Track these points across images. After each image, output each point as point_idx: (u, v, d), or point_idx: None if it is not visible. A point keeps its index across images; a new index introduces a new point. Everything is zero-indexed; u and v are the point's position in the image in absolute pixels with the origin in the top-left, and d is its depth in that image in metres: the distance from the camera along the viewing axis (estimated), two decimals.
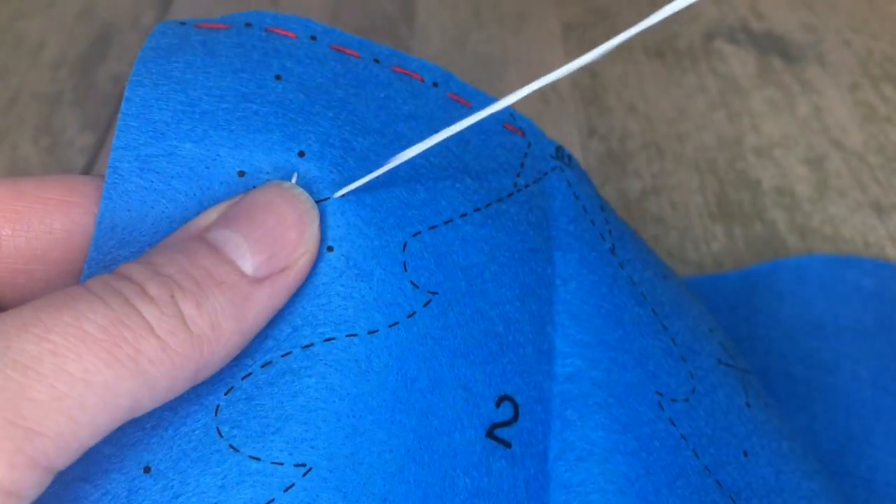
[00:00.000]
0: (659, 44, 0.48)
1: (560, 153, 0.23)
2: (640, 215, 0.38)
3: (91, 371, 0.14)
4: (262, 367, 0.17)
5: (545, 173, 0.22)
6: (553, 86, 0.45)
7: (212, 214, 0.17)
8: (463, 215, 0.20)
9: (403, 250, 0.18)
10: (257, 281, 0.16)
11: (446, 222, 0.19)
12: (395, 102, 0.20)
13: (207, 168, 0.18)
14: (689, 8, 0.51)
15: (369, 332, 0.17)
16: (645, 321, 0.21)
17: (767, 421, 0.23)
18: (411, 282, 0.18)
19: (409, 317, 0.18)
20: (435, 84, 0.21)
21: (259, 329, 0.17)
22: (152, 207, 0.18)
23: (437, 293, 0.18)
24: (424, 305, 0.18)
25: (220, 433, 0.17)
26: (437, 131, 0.20)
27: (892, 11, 0.49)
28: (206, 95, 0.18)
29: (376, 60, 0.21)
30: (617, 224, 0.23)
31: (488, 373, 0.18)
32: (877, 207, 0.39)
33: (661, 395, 0.20)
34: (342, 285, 0.18)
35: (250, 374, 0.17)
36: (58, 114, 0.43)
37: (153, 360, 0.15)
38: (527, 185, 0.21)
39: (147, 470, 0.16)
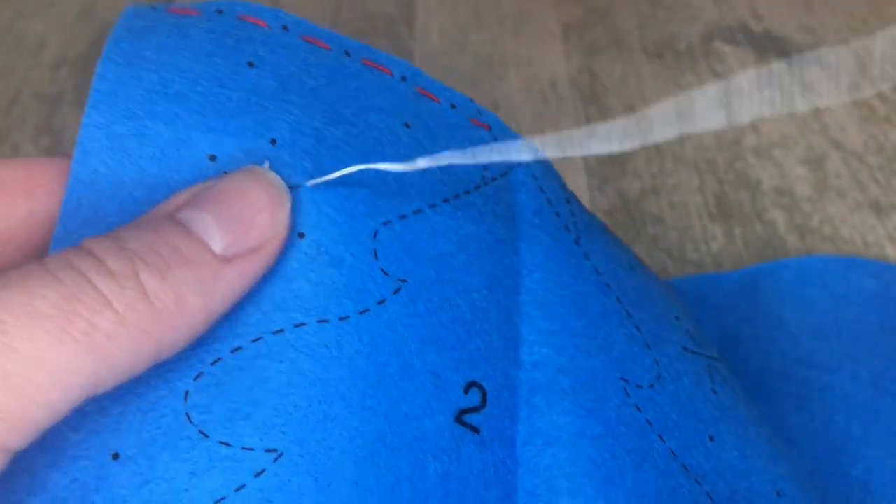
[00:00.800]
0: (658, 44, 0.48)
1: (526, 147, 0.24)
2: (640, 215, 0.38)
3: (42, 348, 0.14)
4: (232, 352, 0.17)
5: (511, 167, 0.22)
6: (553, 86, 0.45)
7: (183, 196, 0.17)
8: (432, 206, 0.20)
9: (374, 238, 0.19)
10: (226, 260, 0.16)
11: (416, 212, 0.20)
12: (365, 94, 0.20)
13: (178, 150, 0.18)
14: (688, 8, 0.51)
15: (340, 319, 0.18)
16: (609, 309, 0.22)
17: (733, 406, 0.23)
18: (381, 269, 0.18)
19: (379, 304, 0.18)
20: (403, 78, 0.22)
21: (226, 310, 0.17)
22: (120, 188, 0.18)
23: (406, 281, 0.19)
24: (394, 293, 0.18)
25: (189, 419, 0.17)
26: (407, 124, 0.21)
27: (892, 12, 0.49)
28: (180, 77, 0.18)
29: (346, 53, 0.21)
30: (583, 216, 0.23)
31: (456, 359, 0.19)
32: (876, 207, 0.39)
33: (626, 381, 0.21)
34: (313, 271, 0.18)
35: (220, 359, 0.17)
36: (58, 114, 0.43)
37: (110, 335, 0.14)
38: (493, 178, 0.22)
39: (115, 456, 0.16)
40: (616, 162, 0.41)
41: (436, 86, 0.22)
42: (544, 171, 0.23)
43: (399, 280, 0.19)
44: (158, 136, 0.18)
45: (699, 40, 0.48)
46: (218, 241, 0.16)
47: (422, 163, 0.18)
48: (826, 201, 0.39)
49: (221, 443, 0.16)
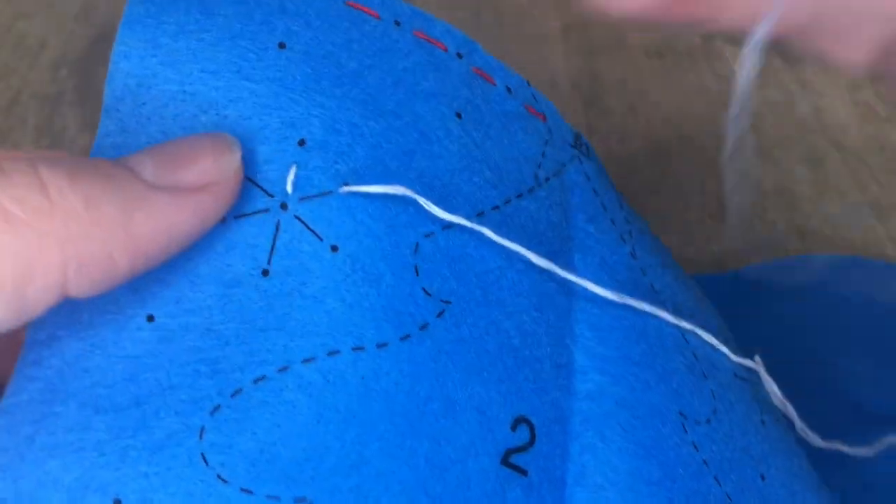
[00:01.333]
0: (659, 44, 0.48)
1: (578, 141, 0.21)
2: (641, 215, 0.38)
3: None
4: (255, 382, 0.15)
5: (564, 164, 0.20)
6: (553, 86, 0.45)
7: None
8: (480, 214, 0.18)
9: (415, 252, 0.16)
10: (156, 187, 0.14)
11: (478, 214, 0.17)
12: (414, 77, 0.18)
13: None
14: None
15: (378, 346, 0.15)
16: (667, 334, 0.19)
17: (780, 438, 0.21)
18: (423, 289, 0.16)
19: (421, 328, 0.16)
20: (459, 55, 0.19)
21: (155, 244, 0.14)
22: None
23: (450, 302, 0.16)
24: (438, 316, 0.16)
25: (205, 460, 0.14)
26: (458, 113, 0.18)
27: None
28: (199, 71, 0.16)
29: (397, 23, 0.18)
30: (635, 222, 0.21)
31: (503, 392, 0.16)
32: (876, 208, 0.39)
33: (684, 416, 0.19)
34: (347, 290, 0.16)
35: (240, 390, 0.15)
36: (58, 114, 0.43)
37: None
38: (547, 179, 0.19)
39: (117, 503, 0.14)
40: (616, 162, 0.41)
41: (492, 64, 0.20)
42: (597, 170, 0.21)
43: (442, 301, 0.16)
44: None
45: (700, 40, 0.48)
46: (149, 172, 0.15)
47: (462, 221, 0.16)
48: (826, 202, 0.39)
49: (243, 490, 0.14)
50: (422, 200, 0.16)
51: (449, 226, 0.17)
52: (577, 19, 0.50)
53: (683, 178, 0.40)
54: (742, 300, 0.35)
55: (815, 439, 0.21)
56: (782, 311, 0.34)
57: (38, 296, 0.13)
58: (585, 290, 0.18)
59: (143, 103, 0.16)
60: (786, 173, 0.40)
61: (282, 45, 0.17)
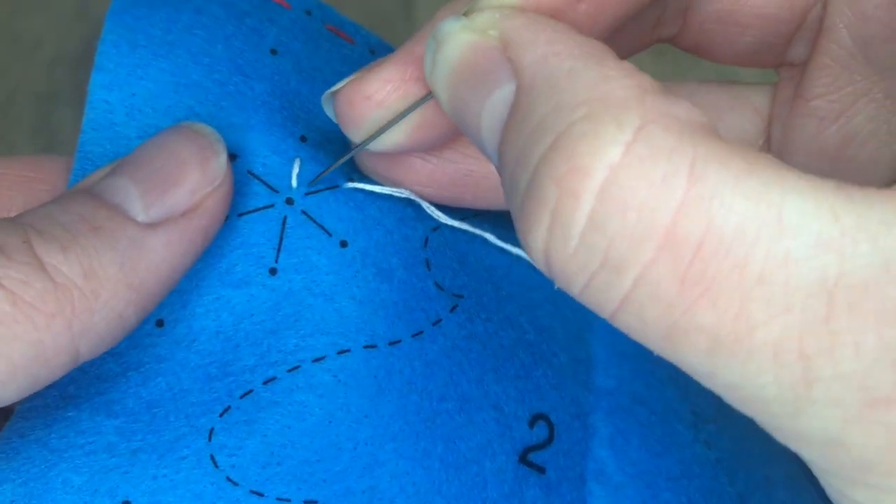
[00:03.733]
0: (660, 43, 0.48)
1: None
2: None
3: None
4: (265, 383, 0.15)
5: None
6: None
7: (103, 170, 0.15)
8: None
9: (425, 246, 0.16)
10: (150, 227, 0.14)
11: (465, 216, 0.17)
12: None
13: None
14: None
15: (390, 343, 0.15)
16: None
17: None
18: (435, 283, 0.16)
19: (434, 324, 0.16)
20: (308, 12, 0.19)
21: (162, 283, 0.14)
22: None
23: (462, 296, 0.16)
24: (451, 311, 0.16)
25: (214, 462, 0.14)
26: None
27: None
28: (194, 63, 0.16)
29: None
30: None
31: (521, 388, 0.16)
32: None
33: (695, 414, 0.18)
34: (358, 286, 0.15)
35: (250, 391, 0.15)
36: (55, 113, 0.43)
37: (2, 321, 0.12)
38: None
39: None
40: None
41: (346, 24, 0.19)
42: None
43: (455, 295, 0.16)
44: None
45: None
46: (138, 205, 0.14)
47: (465, 226, 0.16)
48: None
49: (253, 492, 0.14)
50: (424, 204, 0.16)
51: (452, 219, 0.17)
52: None
53: None
54: None
55: None
56: None
57: (51, 372, 0.13)
58: None
59: (133, 94, 0.16)
60: None
61: (273, 52, 0.17)
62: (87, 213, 0.13)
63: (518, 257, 0.17)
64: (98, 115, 0.15)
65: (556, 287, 0.12)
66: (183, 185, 0.14)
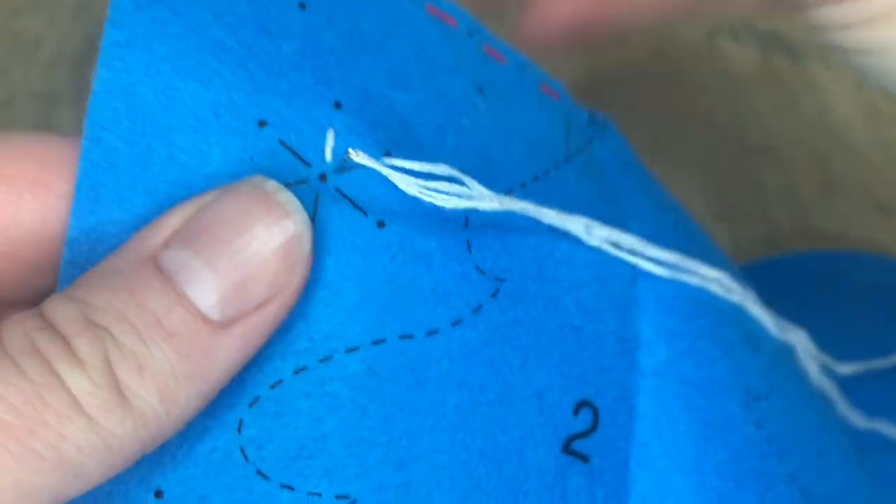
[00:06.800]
0: (661, 42, 0.48)
1: (594, 119, 0.20)
2: None
3: None
4: (296, 373, 0.14)
5: (589, 139, 0.19)
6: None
7: (171, 221, 0.13)
8: (522, 185, 0.16)
9: (465, 226, 0.15)
10: (223, 326, 0.13)
11: (506, 193, 0.16)
12: (433, 49, 0.16)
13: (217, 116, 0.14)
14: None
15: (428, 333, 0.14)
16: (724, 305, 0.18)
17: (827, 415, 0.20)
18: (476, 266, 0.15)
19: (474, 311, 0.15)
20: (470, 32, 0.17)
21: (229, 380, 0.13)
22: (146, 169, 0.14)
23: (503, 280, 0.15)
24: (492, 296, 0.15)
25: (245, 455, 0.14)
26: (480, 88, 0.17)
27: None
28: (215, 21, 0.14)
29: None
30: (666, 194, 0.20)
31: (565, 375, 0.15)
32: (881, 207, 0.38)
33: (748, 392, 0.17)
34: (396, 271, 0.14)
35: (280, 381, 0.14)
36: (55, 113, 0.43)
37: (81, 447, 0.12)
38: (579, 150, 0.18)
39: (159, 494, 0.13)
40: None
41: (500, 44, 0.18)
42: (620, 144, 0.20)
43: (496, 279, 0.15)
44: (191, 99, 0.14)
45: (702, 38, 0.48)
46: (212, 299, 0.13)
47: (506, 201, 0.15)
48: (831, 201, 0.39)
49: (283, 486, 0.14)
50: (467, 179, 0.15)
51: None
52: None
53: (685, 178, 0.40)
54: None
55: (858, 419, 0.20)
56: (787, 309, 0.34)
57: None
58: (646, 256, 0.17)
59: (151, 51, 0.14)
60: (789, 173, 0.40)
61: (302, 6, 0.15)
62: (162, 313, 0.12)
63: (564, 233, 0.16)
64: (112, 74, 0.14)
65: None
66: (264, 278, 0.13)
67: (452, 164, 0.15)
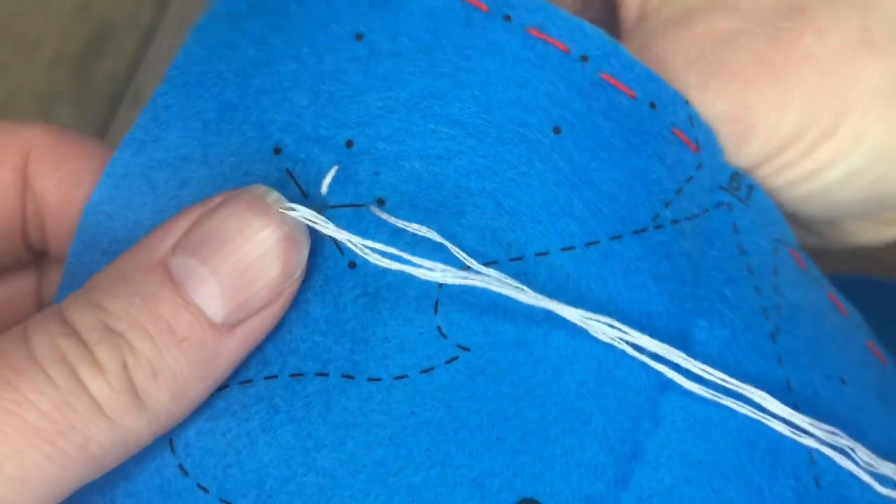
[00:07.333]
0: None
1: (734, 183, 0.17)
2: None
3: (30, 468, 0.12)
4: (241, 384, 0.15)
5: (706, 209, 0.16)
6: None
7: (179, 225, 0.14)
8: (588, 244, 0.15)
9: (440, 287, 0.14)
10: (227, 330, 0.14)
11: (539, 254, 0.14)
12: (504, 82, 0.15)
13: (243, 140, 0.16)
14: None
15: (369, 379, 0.14)
16: (786, 447, 0.15)
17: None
18: (438, 328, 0.14)
19: (423, 371, 0.14)
20: (584, 58, 0.16)
21: (230, 373, 0.15)
22: (188, 162, 0.16)
23: (468, 349, 0.14)
24: (447, 362, 0.14)
25: (184, 471, 0.14)
26: (557, 128, 0.15)
27: None
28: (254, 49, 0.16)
29: (507, 17, 0.15)
30: (794, 292, 0.17)
31: (516, 465, 0.14)
32: None
33: None
34: (354, 312, 0.15)
35: (226, 386, 0.15)
36: (55, 113, 0.43)
37: (103, 444, 0.13)
38: (675, 222, 0.15)
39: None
40: None
41: (636, 73, 0.16)
42: (753, 221, 0.17)
43: (459, 347, 0.14)
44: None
45: None
46: (218, 305, 0.14)
47: (508, 289, 0.13)
48: None
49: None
50: (449, 245, 0.14)
51: (519, 257, 0.15)
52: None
53: None
54: None
55: None
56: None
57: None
58: (673, 365, 0.15)
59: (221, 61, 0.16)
60: None
61: (359, 37, 0.15)
62: (173, 319, 0.13)
63: (563, 321, 0.14)
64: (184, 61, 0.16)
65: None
66: (265, 285, 0.14)
67: (476, 213, 0.14)
